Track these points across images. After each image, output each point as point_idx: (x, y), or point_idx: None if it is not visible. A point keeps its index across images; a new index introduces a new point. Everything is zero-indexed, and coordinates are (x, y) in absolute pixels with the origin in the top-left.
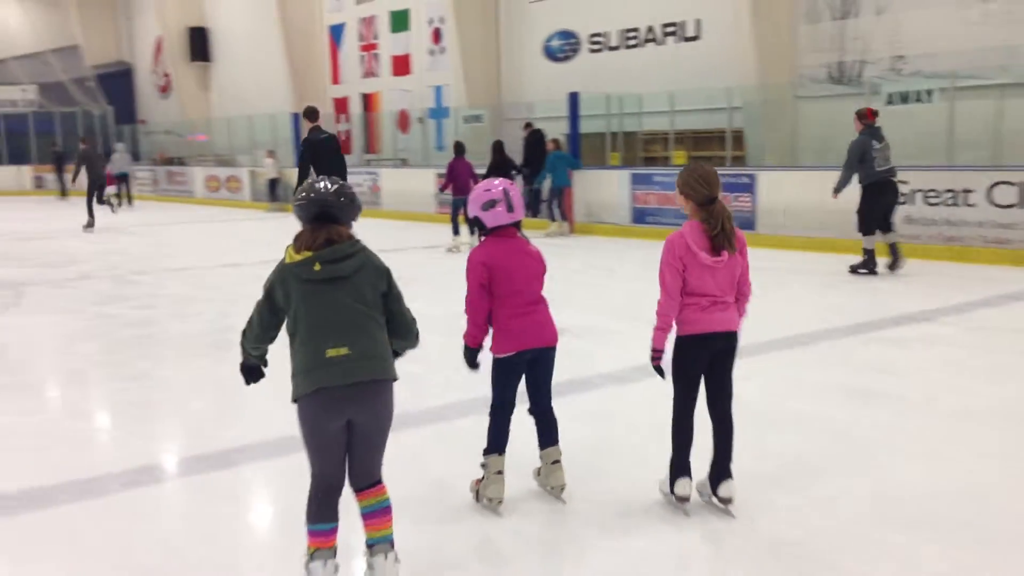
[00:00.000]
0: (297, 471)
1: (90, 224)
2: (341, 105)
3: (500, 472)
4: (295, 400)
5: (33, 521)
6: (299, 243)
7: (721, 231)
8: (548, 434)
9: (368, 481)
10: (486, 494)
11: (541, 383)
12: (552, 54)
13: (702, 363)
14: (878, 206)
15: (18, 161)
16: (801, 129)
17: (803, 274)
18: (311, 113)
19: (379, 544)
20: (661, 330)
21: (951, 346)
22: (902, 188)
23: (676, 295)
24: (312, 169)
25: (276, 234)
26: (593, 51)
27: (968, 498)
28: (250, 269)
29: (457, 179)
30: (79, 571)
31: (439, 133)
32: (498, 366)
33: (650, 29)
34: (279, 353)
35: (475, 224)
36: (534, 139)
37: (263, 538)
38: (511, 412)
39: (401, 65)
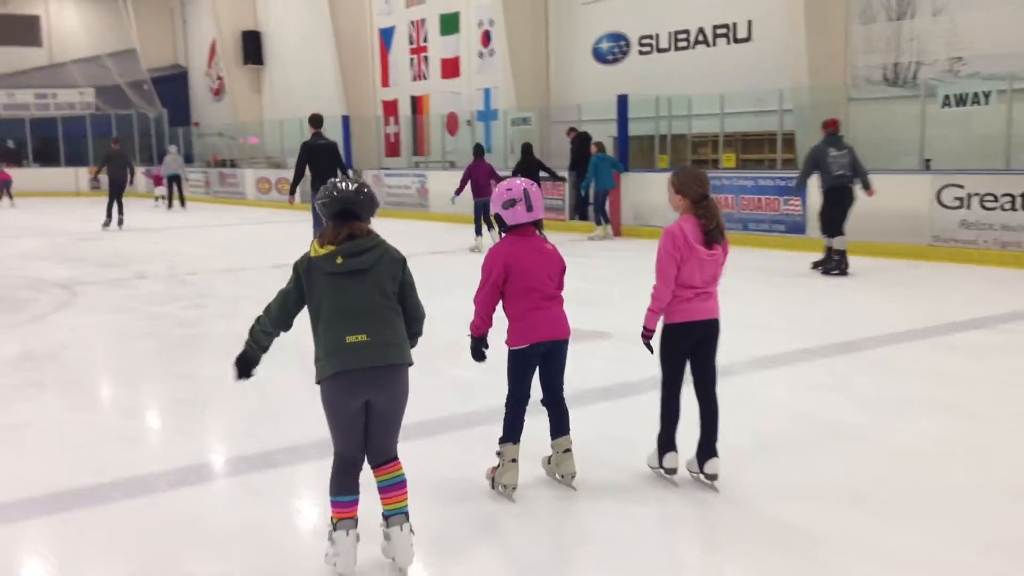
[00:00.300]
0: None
1: (106, 224)
2: (390, 108)
3: (515, 460)
4: (318, 382)
5: (83, 518)
6: (323, 238)
7: (716, 226)
8: (560, 424)
9: (385, 457)
10: (501, 481)
11: (554, 375)
12: (601, 56)
13: (686, 348)
14: (838, 209)
15: (75, 163)
16: (854, 132)
17: (857, 279)
18: (315, 120)
19: (395, 516)
20: (654, 312)
21: (1007, 353)
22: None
23: (671, 282)
24: (309, 170)
25: None
26: (643, 53)
27: None
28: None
29: (476, 181)
30: (126, 569)
31: (487, 135)
32: (513, 358)
33: (700, 31)
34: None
35: (496, 221)
36: (579, 142)
37: (306, 539)
38: (526, 403)
39: (450, 68)
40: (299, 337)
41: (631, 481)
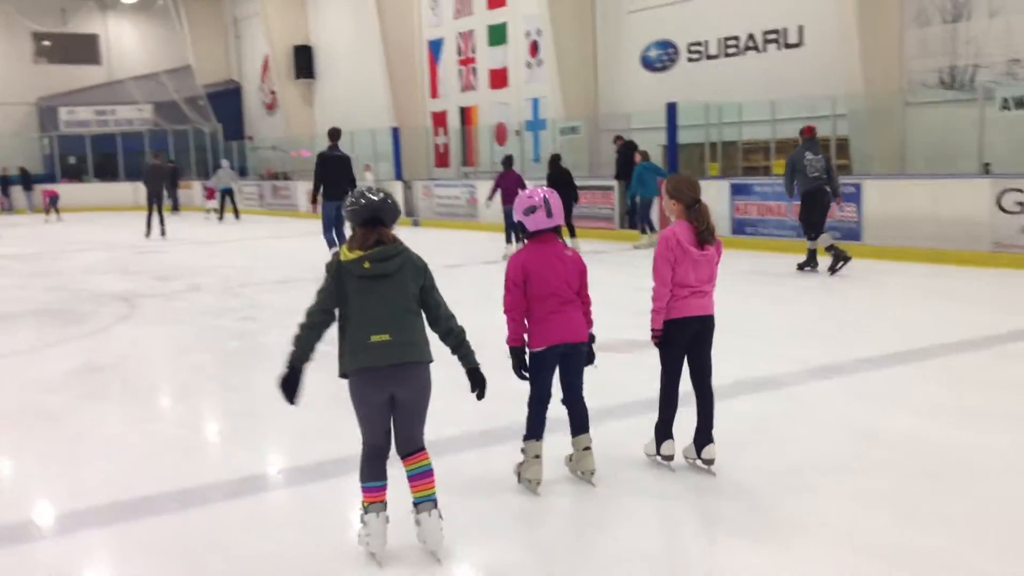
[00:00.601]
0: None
1: (147, 234)
2: (439, 119)
3: (538, 456)
4: (341, 375)
5: (140, 528)
6: (353, 243)
7: (706, 228)
8: (579, 423)
9: (412, 448)
10: (526, 475)
11: (572, 376)
12: (650, 64)
13: (683, 343)
14: (815, 211)
15: (134, 177)
16: (910, 136)
17: (917, 286)
18: (333, 134)
19: (423, 503)
20: (657, 312)
21: None
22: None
23: (668, 283)
24: (323, 181)
25: None
26: (692, 60)
27: None
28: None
29: (506, 190)
30: None
31: (536, 145)
32: (533, 360)
33: (751, 37)
34: None
35: (519, 228)
36: (625, 151)
37: (360, 551)
38: (548, 402)
39: (498, 78)
40: None
41: (661, 483)
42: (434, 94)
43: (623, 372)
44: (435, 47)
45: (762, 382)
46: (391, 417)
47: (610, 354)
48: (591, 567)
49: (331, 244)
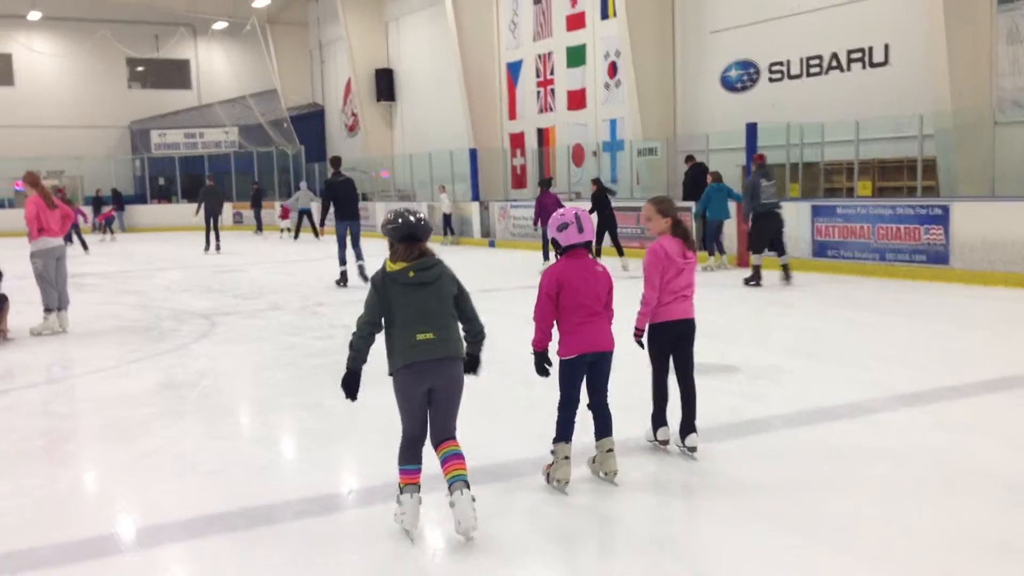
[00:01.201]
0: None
1: (206, 249)
2: (517, 140)
3: (567, 458)
4: (390, 374)
5: (210, 546)
6: (396, 256)
7: (687, 237)
8: (604, 426)
9: (446, 436)
10: (555, 476)
11: (599, 382)
12: (730, 84)
13: (670, 343)
14: (765, 231)
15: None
16: (1000, 156)
17: (1006, 314)
18: (334, 161)
19: (456, 481)
20: (644, 315)
21: None
22: None
23: (657, 289)
24: (332, 203)
25: (452, 268)
26: (773, 80)
27: None
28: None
29: (544, 211)
30: None
31: (613, 166)
32: (564, 367)
33: (834, 56)
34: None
35: (552, 244)
36: (695, 173)
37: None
38: (576, 407)
39: (576, 99)
40: None
41: (722, 505)
42: (512, 116)
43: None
44: (514, 69)
45: (844, 409)
46: (428, 407)
47: None
48: (612, 557)
49: (342, 262)
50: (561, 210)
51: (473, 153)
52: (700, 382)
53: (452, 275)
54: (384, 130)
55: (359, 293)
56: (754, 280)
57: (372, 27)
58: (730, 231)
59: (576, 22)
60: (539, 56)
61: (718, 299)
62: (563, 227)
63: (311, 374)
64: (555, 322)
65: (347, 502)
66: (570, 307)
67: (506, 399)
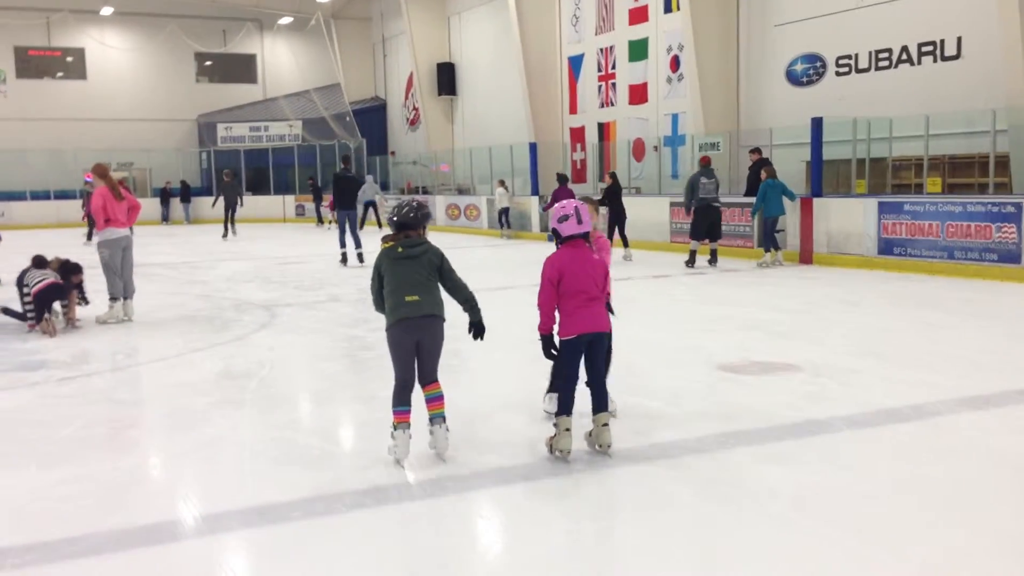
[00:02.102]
0: (518, 502)
1: (224, 237)
2: (577, 135)
3: (568, 430)
4: (387, 329)
5: (264, 536)
6: (390, 239)
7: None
8: (600, 402)
9: (430, 379)
10: (557, 446)
11: (596, 361)
12: (795, 78)
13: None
14: (703, 221)
15: (283, 191)
16: None
17: None
18: (344, 158)
19: (436, 418)
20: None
21: None
22: None
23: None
24: (334, 193)
25: (509, 261)
26: (840, 74)
27: None
28: (483, 295)
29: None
30: None
31: (674, 161)
32: (564, 347)
33: (904, 49)
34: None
35: (553, 234)
36: (758, 168)
37: (472, 572)
38: (576, 383)
39: (638, 94)
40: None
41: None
42: (573, 110)
43: (751, 396)
44: (575, 63)
45: (908, 410)
46: (416, 359)
47: (738, 376)
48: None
49: (342, 244)
50: (562, 203)
51: (533, 147)
52: (748, 380)
53: (439, 253)
54: (445, 124)
55: None
56: (690, 263)
57: (434, 21)
58: (792, 228)
59: (639, 15)
60: (601, 50)
61: (779, 296)
62: (564, 219)
63: (367, 366)
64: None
65: (401, 495)
66: (570, 292)
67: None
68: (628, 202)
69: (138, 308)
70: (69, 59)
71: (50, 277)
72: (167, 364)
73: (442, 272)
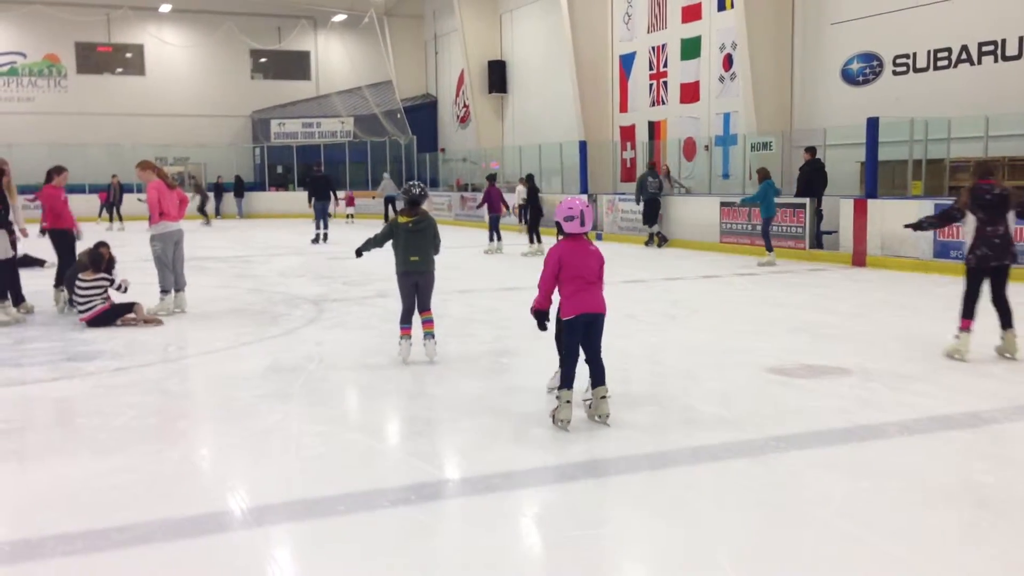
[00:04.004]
0: (566, 502)
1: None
2: (628, 133)
3: (569, 402)
4: (397, 275)
5: (309, 529)
6: (404, 213)
7: None
8: (598, 376)
9: (424, 308)
10: (559, 417)
11: (593, 339)
12: (851, 78)
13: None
14: (651, 211)
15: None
16: None
17: None
18: (317, 164)
19: (427, 335)
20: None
21: None
22: None
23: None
24: (312, 189)
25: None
26: (897, 73)
27: None
28: (527, 293)
29: (490, 200)
30: None
31: (725, 161)
32: (565, 326)
33: (964, 48)
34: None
35: (557, 227)
36: (812, 168)
37: (514, 565)
38: (576, 360)
39: (689, 92)
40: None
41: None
42: (623, 108)
43: (801, 399)
44: (627, 61)
45: (964, 418)
46: (415, 294)
47: (788, 378)
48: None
49: (316, 227)
50: (569, 203)
51: (583, 146)
52: (799, 383)
53: (435, 229)
54: (495, 122)
55: (476, 286)
56: (650, 242)
57: (486, 19)
58: (845, 230)
59: (692, 14)
60: (653, 48)
61: (829, 298)
62: (570, 219)
63: (415, 362)
64: (557, 289)
65: (445, 491)
66: (569, 279)
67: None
68: (677, 201)
69: (190, 300)
70: (128, 55)
71: (98, 302)
72: (217, 357)
73: (435, 242)
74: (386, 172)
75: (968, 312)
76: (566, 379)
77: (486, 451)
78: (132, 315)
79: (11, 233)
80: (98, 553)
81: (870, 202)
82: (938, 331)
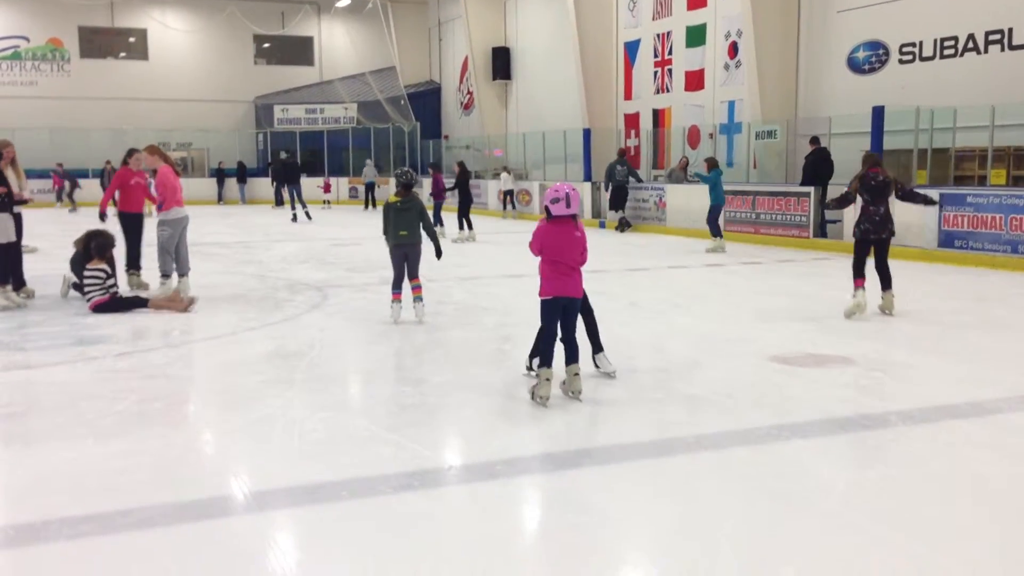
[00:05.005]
0: (569, 488)
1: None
2: (632, 121)
3: (548, 379)
4: (389, 247)
5: (312, 515)
6: (397, 193)
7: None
8: (572, 355)
9: (413, 275)
10: (538, 393)
11: (569, 321)
12: (856, 66)
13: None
14: (618, 198)
15: (337, 173)
16: None
17: None
18: (286, 150)
19: (417, 299)
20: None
21: None
22: None
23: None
24: (282, 178)
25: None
26: (903, 62)
27: None
28: (529, 280)
29: (435, 186)
30: (344, 569)
31: (730, 149)
32: (544, 305)
33: (970, 37)
34: None
35: (545, 211)
36: (816, 157)
37: (517, 553)
38: (554, 339)
39: (694, 80)
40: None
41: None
42: (628, 96)
43: (805, 388)
44: (631, 49)
45: (966, 407)
46: (405, 264)
47: (791, 367)
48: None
49: (292, 207)
50: (557, 187)
51: (587, 133)
52: (813, 372)
53: (421, 209)
54: (499, 108)
55: (482, 272)
56: (620, 229)
57: (490, 5)
58: (848, 219)
59: (697, 1)
60: (657, 36)
61: (833, 287)
62: (556, 201)
63: (418, 348)
64: (539, 269)
65: (447, 478)
66: (550, 261)
67: (626, 380)
68: (684, 189)
69: (194, 286)
70: (131, 40)
71: (95, 293)
72: (221, 342)
73: (422, 219)
74: (368, 159)
75: (858, 273)
76: (545, 357)
77: (489, 437)
78: (167, 300)
79: (15, 217)
80: (103, 536)
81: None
82: (941, 320)
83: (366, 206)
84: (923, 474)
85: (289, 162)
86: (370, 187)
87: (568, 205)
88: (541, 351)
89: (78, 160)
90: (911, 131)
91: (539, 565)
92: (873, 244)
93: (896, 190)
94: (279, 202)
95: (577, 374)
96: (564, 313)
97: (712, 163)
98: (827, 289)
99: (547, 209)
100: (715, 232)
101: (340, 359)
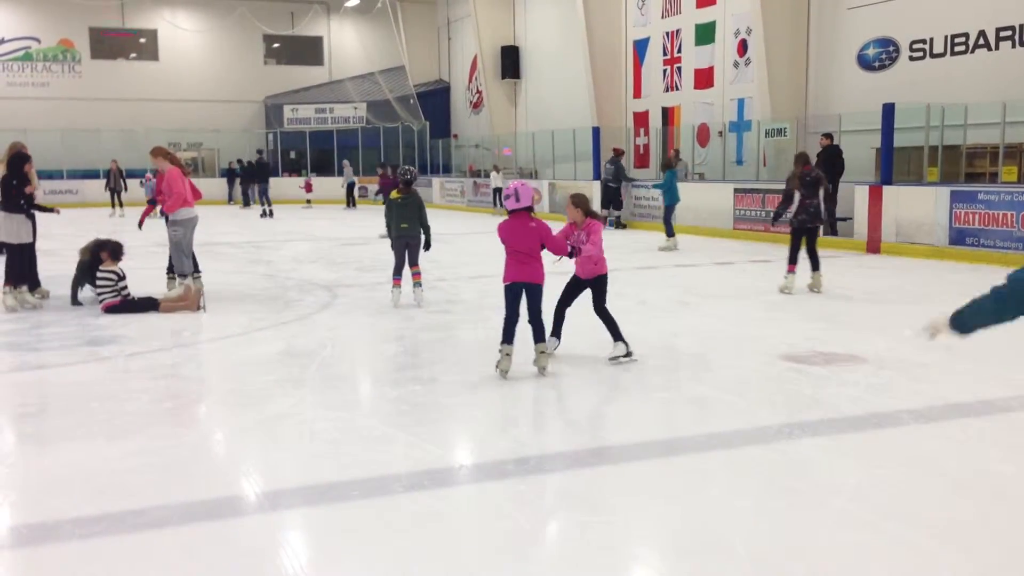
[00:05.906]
0: (580, 490)
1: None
2: (641, 119)
3: (509, 355)
4: (391, 240)
5: (322, 514)
6: (400, 191)
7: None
8: (538, 335)
9: (413, 263)
10: (500, 367)
11: (531, 304)
12: (867, 63)
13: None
14: (607, 197)
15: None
16: None
17: None
18: (259, 151)
19: (416, 285)
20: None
21: None
22: None
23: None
24: (250, 176)
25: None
26: (913, 59)
27: None
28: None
29: (383, 187)
30: (354, 569)
31: (739, 147)
32: (506, 291)
33: (981, 34)
34: None
35: (504, 208)
36: (828, 155)
37: (527, 554)
38: (515, 320)
39: (703, 78)
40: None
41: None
42: (637, 94)
43: (815, 387)
44: (640, 47)
45: (978, 406)
46: (405, 253)
47: (801, 366)
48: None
49: (262, 204)
50: (512, 184)
51: (596, 132)
52: (824, 371)
53: (420, 204)
54: (508, 107)
55: (490, 271)
56: (611, 225)
57: (499, 4)
58: (860, 216)
59: None
60: (667, 33)
61: (844, 286)
62: (507, 197)
63: (427, 347)
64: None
65: (458, 477)
66: (509, 252)
67: (637, 377)
68: (691, 187)
69: (205, 286)
70: (142, 40)
71: (107, 295)
72: (231, 342)
73: (421, 214)
74: (346, 159)
75: (792, 259)
76: (506, 335)
77: (499, 437)
78: (179, 301)
79: (32, 219)
80: (115, 536)
81: (885, 189)
82: None
83: (347, 205)
84: (934, 472)
85: (261, 162)
86: (351, 187)
87: (518, 200)
88: (503, 329)
89: (89, 161)
90: (922, 128)
91: (550, 564)
92: (807, 233)
93: (824, 187)
94: (247, 203)
95: (544, 352)
96: (528, 297)
97: (667, 163)
98: (837, 287)
99: (506, 207)
100: (669, 232)
101: (350, 358)
